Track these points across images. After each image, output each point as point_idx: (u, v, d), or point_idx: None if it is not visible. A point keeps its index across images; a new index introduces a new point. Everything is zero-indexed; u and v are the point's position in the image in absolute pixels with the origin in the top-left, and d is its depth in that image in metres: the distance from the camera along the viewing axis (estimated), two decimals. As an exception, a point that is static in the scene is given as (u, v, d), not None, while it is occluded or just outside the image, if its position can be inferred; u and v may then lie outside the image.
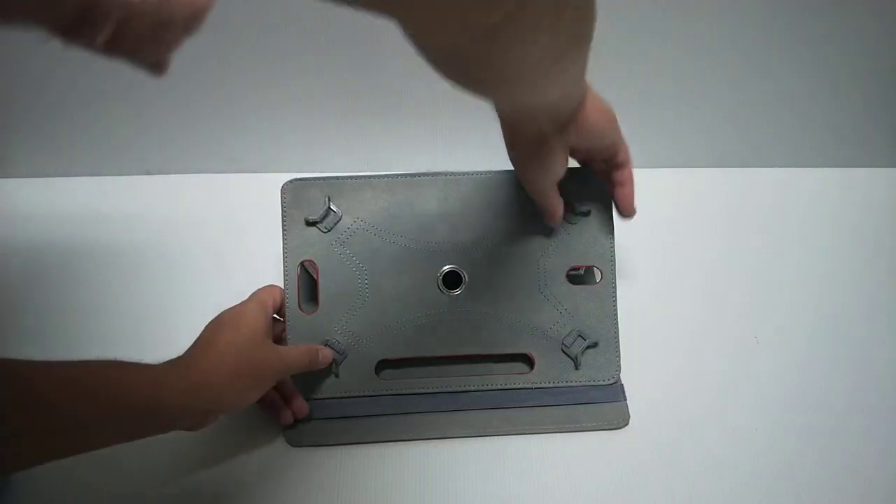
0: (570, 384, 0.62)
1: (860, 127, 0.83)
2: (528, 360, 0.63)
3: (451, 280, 0.62)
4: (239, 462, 0.59)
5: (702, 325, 0.69)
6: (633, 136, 0.81)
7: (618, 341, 0.63)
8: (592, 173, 0.61)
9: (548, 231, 0.62)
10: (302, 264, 0.62)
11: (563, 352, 0.62)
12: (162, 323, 0.67)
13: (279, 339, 0.60)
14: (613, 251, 0.63)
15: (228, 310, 0.56)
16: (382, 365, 0.62)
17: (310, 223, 0.61)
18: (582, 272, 0.66)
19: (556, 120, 0.50)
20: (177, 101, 0.74)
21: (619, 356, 0.63)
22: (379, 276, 0.61)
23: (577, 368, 0.62)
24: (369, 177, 0.62)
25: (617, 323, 0.63)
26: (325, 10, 0.67)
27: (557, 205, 0.58)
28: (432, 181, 0.62)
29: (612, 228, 0.63)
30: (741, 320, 0.70)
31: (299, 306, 0.61)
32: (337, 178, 0.61)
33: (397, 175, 0.62)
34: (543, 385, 0.62)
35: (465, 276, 0.62)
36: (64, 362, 0.43)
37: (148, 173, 0.80)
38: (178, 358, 0.51)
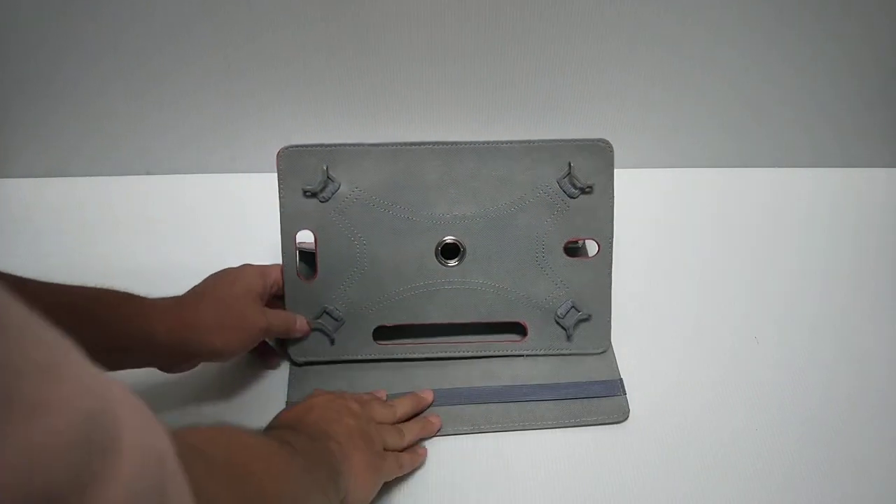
0: (560, 352, 0.64)
1: (858, 127, 0.83)
2: (521, 330, 0.64)
3: (450, 251, 0.62)
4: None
5: (701, 324, 0.69)
6: (632, 136, 0.81)
7: (609, 313, 0.64)
8: (601, 148, 0.61)
9: (548, 205, 0.62)
10: (297, 249, 0.62)
11: (557, 323, 0.63)
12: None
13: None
14: (612, 226, 0.63)
15: (230, 268, 0.58)
16: (379, 333, 0.62)
17: (307, 193, 0.60)
18: (580, 245, 0.66)
19: None
20: (177, 101, 0.74)
21: (609, 327, 0.64)
22: (377, 245, 0.61)
23: (568, 339, 0.63)
24: (369, 145, 0.61)
25: (610, 295, 0.63)
26: (326, 11, 0.67)
27: None
28: (433, 151, 0.61)
29: (613, 203, 0.62)
30: (741, 319, 0.70)
31: (297, 274, 0.61)
32: (335, 145, 0.60)
33: (398, 144, 0.61)
34: (536, 353, 0.63)
35: (464, 248, 0.62)
36: (63, 287, 0.45)
37: (148, 173, 0.80)
38: (174, 298, 0.53)
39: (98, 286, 0.48)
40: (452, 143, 0.61)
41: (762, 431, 0.62)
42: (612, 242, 0.63)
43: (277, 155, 0.60)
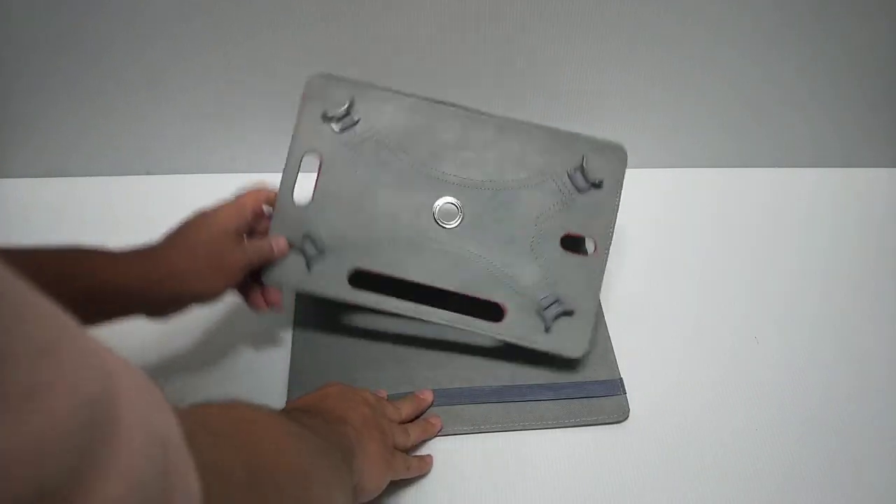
0: (533, 345, 0.61)
1: (859, 126, 0.83)
2: (498, 314, 0.62)
3: (447, 213, 0.62)
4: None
5: (701, 324, 0.70)
6: (633, 136, 0.81)
7: (594, 317, 0.61)
8: (616, 151, 0.62)
9: (554, 193, 0.62)
10: None
11: (538, 313, 0.61)
12: (161, 322, 0.67)
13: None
14: (613, 227, 0.62)
15: (205, 209, 0.56)
16: (356, 281, 0.61)
17: (327, 118, 0.61)
18: (581, 241, 0.65)
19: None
20: (177, 101, 0.74)
21: (590, 331, 0.61)
22: (378, 186, 0.61)
23: (546, 332, 0.61)
24: (396, 91, 0.61)
25: (598, 298, 0.62)
26: (326, 10, 0.67)
27: None
28: (456, 113, 0.62)
29: (617, 207, 0.62)
30: (741, 319, 0.70)
31: (292, 197, 0.61)
32: (364, 83, 0.61)
33: (425, 98, 0.62)
34: (509, 339, 0.61)
35: (462, 213, 0.61)
36: (27, 250, 0.44)
37: (148, 173, 0.80)
38: (147, 247, 0.52)
39: (63, 245, 0.48)
40: (477, 111, 0.62)
41: (762, 431, 0.62)
42: (609, 246, 0.62)
43: (308, 81, 0.61)
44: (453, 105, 0.62)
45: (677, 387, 0.64)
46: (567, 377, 0.63)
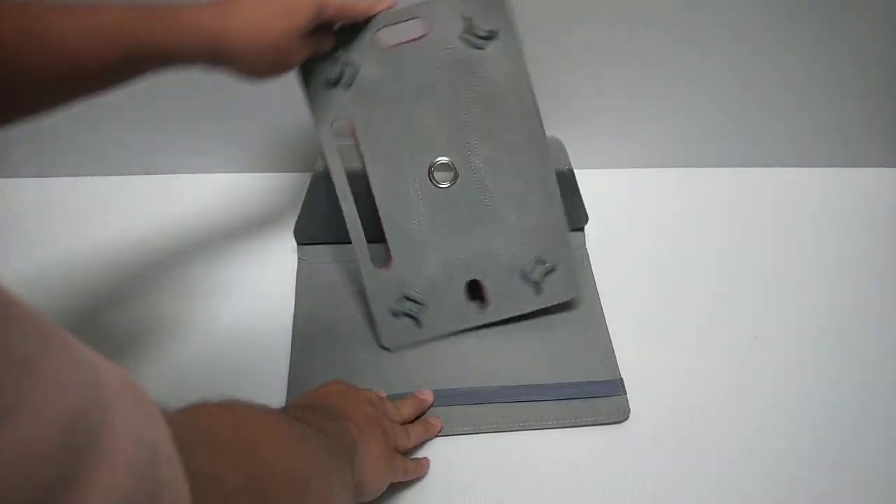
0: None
1: (865, 126, 0.83)
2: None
3: (443, 171, 0.63)
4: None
5: (701, 324, 0.69)
6: (638, 135, 0.81)
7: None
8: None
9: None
10: None
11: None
12: (161, 323, 0.67)
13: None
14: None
15: None
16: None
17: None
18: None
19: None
20: (177, 100, 0.74)
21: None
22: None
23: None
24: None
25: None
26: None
27: None
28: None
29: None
30: (741, 319, 0.70)
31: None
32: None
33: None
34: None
35: (459, 174, 0.63)
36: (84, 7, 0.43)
37: (148, 173, 0.80)
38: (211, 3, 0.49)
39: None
40: None
41: (762, 431, 0.62)
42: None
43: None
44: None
45: (677, 387, 0.64)
46: (567, 377, 0.63)
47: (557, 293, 0.66)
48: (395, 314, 0.64)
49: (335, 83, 0.60)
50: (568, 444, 0.60)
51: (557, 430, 0.61)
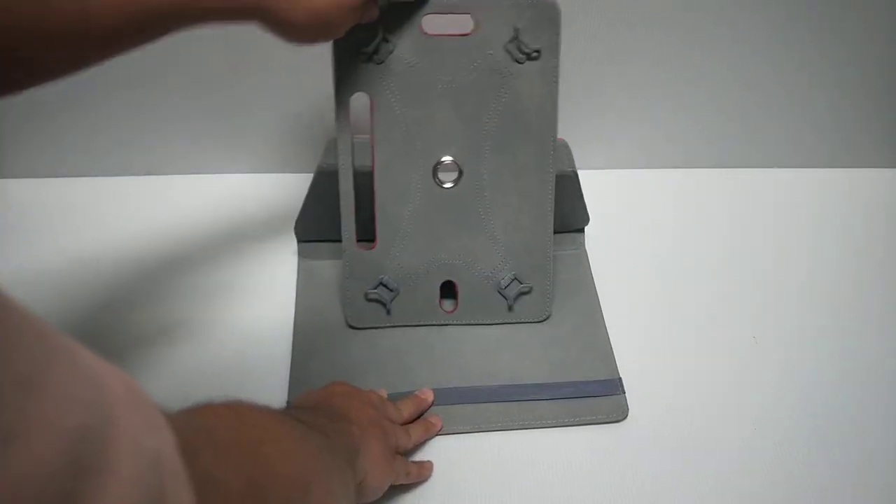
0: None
1: (865, 127, 0.83)
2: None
3: (448, 171, 0.63)
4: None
5: (701, 324, 0.70)
6: (638, 135, 0.81)
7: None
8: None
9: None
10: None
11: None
12: (162, 323, 0.67)
13: None
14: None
15: None
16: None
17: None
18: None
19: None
20: (176, 101, 0.74)
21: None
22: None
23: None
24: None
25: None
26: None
27: None
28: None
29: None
30: (741, 319, 0.70)
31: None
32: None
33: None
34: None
35: (463, 177, 0.63)
36: None
37: (148, 173, 0.80)
38: None
39: None
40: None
41: (760, 431, 0.62)
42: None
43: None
44: None
45: (677, 386, 0.64)
46: (566, 377, 0.63)
47: (528, 314, 0.67)
48: (368, 297, 0.65)
49: (367, 57, 0.58)
50: (567, 443, 0.60)
51: (556, 429, 0.61)
